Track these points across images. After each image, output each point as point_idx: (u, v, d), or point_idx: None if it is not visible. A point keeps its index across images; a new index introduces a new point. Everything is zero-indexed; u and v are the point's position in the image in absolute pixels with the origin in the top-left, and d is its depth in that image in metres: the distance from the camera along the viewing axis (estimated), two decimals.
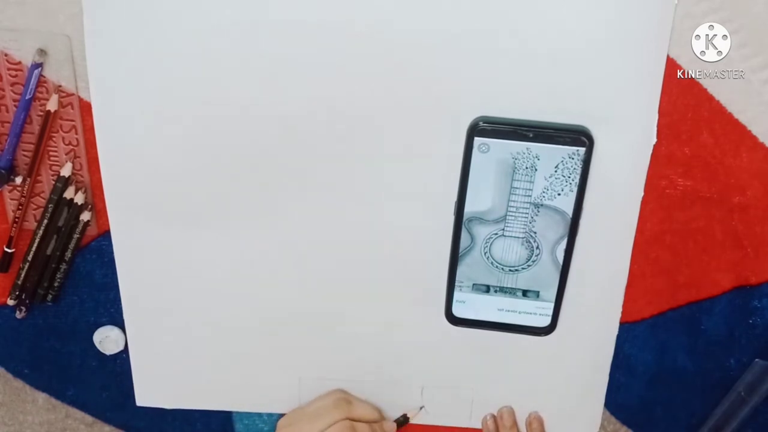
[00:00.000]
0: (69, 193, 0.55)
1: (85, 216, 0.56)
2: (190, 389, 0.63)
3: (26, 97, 0.52)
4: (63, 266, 0.58)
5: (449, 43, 0.48)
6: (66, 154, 0.54)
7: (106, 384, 0.64)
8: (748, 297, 0.55)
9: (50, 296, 0.59)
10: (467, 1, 0.47)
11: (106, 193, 0.55)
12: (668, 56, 0.48)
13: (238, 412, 0.64)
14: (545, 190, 0.51)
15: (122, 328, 0.61)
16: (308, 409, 0.60)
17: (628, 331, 0.57)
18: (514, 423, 0.62)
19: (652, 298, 0.56)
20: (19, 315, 0.60)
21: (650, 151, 0.51)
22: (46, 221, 0.55)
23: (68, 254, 0.57)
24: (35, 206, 0.56)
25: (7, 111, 0.53)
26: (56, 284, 0.58)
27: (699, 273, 0.55)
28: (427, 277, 0.56)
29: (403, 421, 0.62)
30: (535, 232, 0.53)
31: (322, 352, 0.60)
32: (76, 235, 0.56)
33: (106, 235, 0.57)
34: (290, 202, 0.54)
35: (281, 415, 0.63)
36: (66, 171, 0.54)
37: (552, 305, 0.55)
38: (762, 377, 0.57)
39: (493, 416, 0.62)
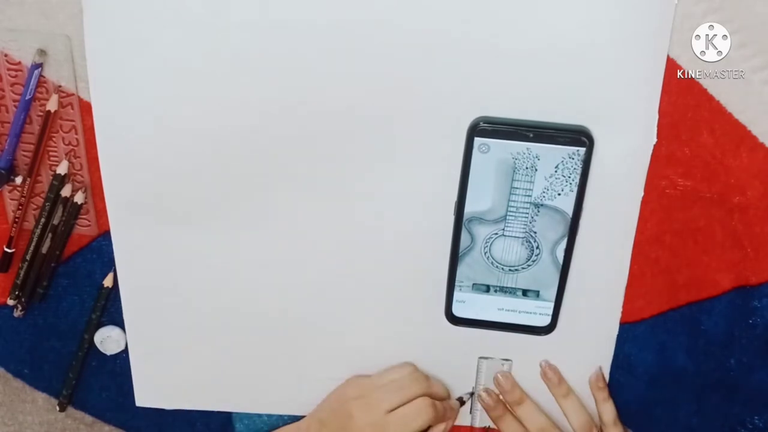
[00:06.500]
0: (66, 191, 0.55)
1: (79, 198, 0.55)
2: (190, 389, 0.63)
3: (26, 97, 0.52)
4: (62, 265, 0.57)
5: (449, 43, 0.48)
6: (66, 154, 0.54)
7: (106, 384, 0.64)
8: (748, 297, 0.55)
9: (50, 296, 0.59)
10: (467, 1, 0.47)
11: (106, 193, 0.55)
12: (668, 56, 0.48)
13: (238, 412, 0.64)
14: (545, 190, 0.51)
15: (122, 328, 0.61)
16: (381, 380, 0.57)
17: (628, 331, 0.57)
18: (515, 385, 0.59)
19: (652, 298, 0.56)
20: (16, 313, 0.60)
21: (650, 151, 0.51)
22: (43, 220, 0.55)
23: (66, 253, 0.57)
24: (35, 206, 0.56)
25: (7, 111, 0.53)
26: (56, 284, 0.58)
27: (699, 273, 0.55)
28: (427, 277, 0.56)
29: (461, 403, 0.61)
30: (535, 232, 0.53)
31: (322, 352, 0.60)
32: (73, 232, 0.56)
33: (106, 235, 0.57)
34: (290, 202, 0.54)
35: (281, 416, 0.63)
36: (62, 169, 0.54)
37: (552, 305, 0.55)
38: None
39: (487, 391, 0.60)
